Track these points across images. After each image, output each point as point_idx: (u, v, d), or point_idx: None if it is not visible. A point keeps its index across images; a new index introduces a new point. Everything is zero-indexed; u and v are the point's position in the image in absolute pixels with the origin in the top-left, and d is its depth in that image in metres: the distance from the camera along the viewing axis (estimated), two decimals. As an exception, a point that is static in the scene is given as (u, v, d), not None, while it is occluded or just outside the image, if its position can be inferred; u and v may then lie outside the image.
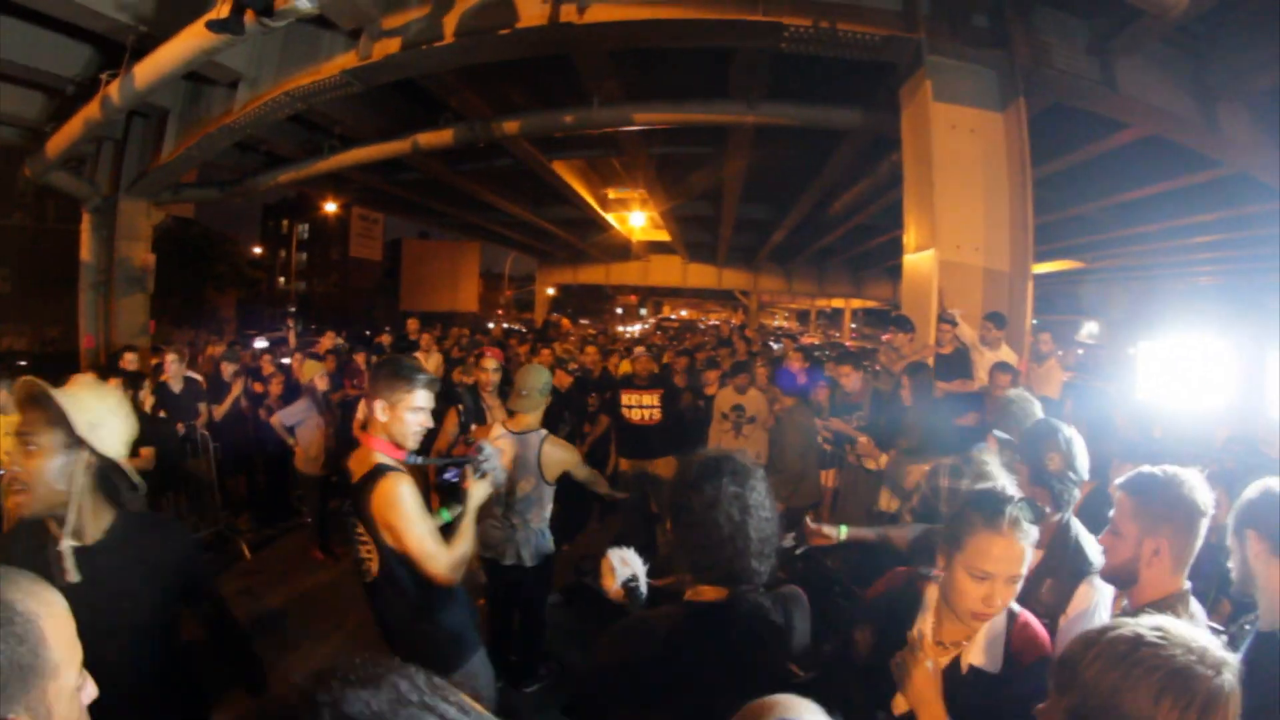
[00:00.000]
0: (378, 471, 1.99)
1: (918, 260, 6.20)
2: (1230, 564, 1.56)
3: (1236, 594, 1.61)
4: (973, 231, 6.14)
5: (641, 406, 5.53)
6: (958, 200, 6.10)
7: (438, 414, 2.37)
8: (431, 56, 6.76)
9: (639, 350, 6.84)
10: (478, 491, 2.15)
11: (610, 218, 18.37)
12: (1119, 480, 1.61)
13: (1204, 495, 1.52)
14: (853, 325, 40.52)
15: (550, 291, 30.77)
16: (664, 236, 21.01)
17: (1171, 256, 19.83)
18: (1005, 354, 5.44)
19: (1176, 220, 13.63)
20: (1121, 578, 1.59)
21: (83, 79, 8.79)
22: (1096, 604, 1.78)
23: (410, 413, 2.06)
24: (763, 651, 1.28)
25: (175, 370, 5.77)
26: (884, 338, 6.22)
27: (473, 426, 3.89)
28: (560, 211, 18.52)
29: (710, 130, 10.36)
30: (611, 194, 17.07)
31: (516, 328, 20.28)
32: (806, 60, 6.81)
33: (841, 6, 6.03)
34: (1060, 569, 1.93)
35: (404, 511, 1.94)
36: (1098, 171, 11.13)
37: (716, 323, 30.15)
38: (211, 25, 5.12)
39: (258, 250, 30.66)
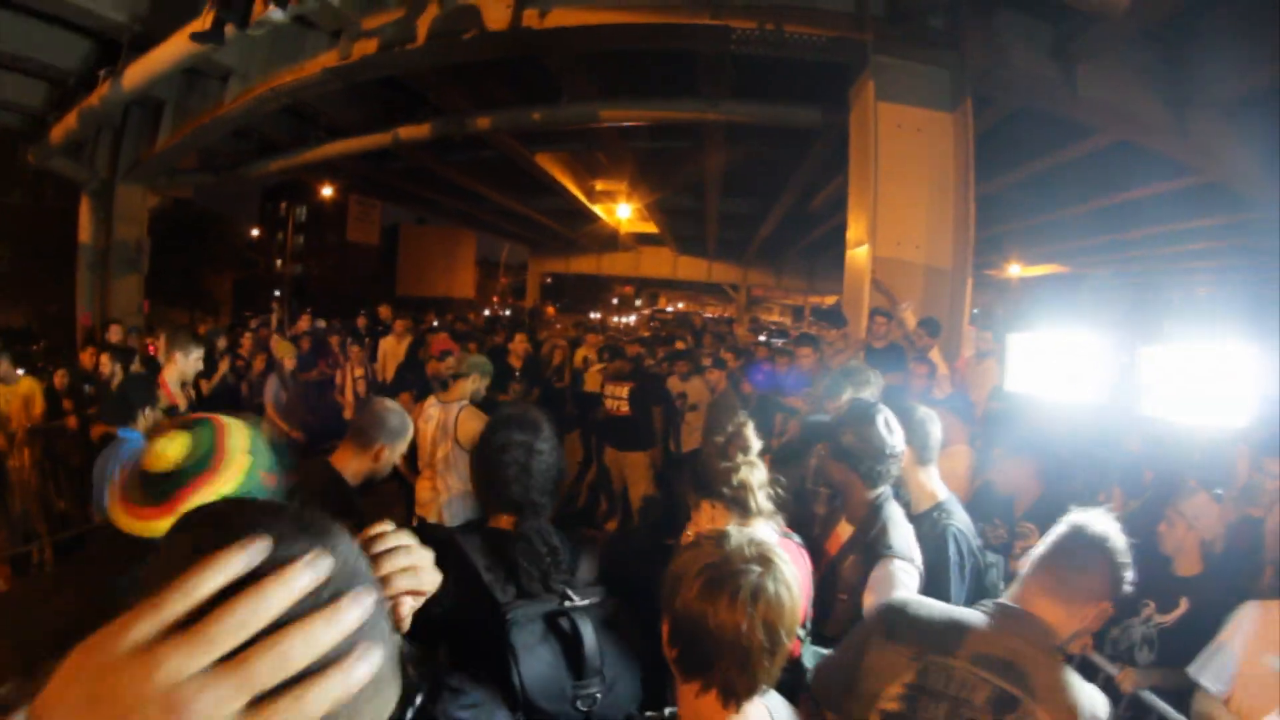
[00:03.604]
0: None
1: (856, 255, 6.48)
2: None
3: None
4: (914, 228, 6.30)
5: (616, 398, 5.89)
6: (900, 198, 6.24)
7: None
8: (406, 57, 7.13)
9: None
10: None
11: (597, 209, 18.43)
12: None
13: (934, 428, 2.18)
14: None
15: (548, 280, 31.02)
16: (652, 229, 21.04)
17: (1170, 264, 19.44)
18: (933, 357, 5.63)
19: (1170, 225, 13.33)
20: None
21: (83, 71, 9.16)
22: (893, 584, 1.79)
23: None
24: (539, 567, 1.55)
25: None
26: (815, 332, 6.48)
27: None
28: (548, 202, 18.57)
29: (686, 127, 10.59)
30: (599, 186, 17.09)
31: (502, 314, 20.61)
32: (771, 61, 6.99)
33: (791, 9, 6.25)
34: (862, 547, 1.96)
35: None
36: (1079, 174, 10.98)
37: (711, 315, 30.06)
38: (195, 37, 5.51)
39: (255, 232, 30.87)
